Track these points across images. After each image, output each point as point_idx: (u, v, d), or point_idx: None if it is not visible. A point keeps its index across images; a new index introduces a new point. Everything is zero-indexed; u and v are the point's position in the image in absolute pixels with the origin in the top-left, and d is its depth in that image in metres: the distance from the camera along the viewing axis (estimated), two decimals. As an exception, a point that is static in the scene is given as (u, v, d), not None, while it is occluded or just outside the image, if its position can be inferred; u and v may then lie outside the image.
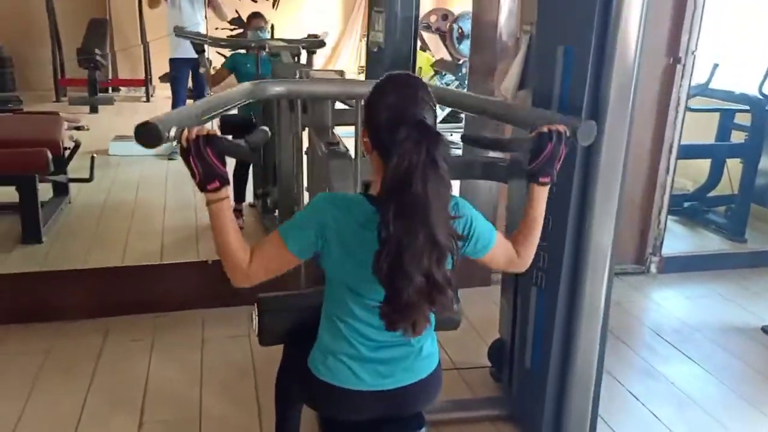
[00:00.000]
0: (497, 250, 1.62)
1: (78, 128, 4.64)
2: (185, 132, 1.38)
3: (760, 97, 4.43)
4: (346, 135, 2.59)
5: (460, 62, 6.86)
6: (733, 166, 4.67)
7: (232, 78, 4.49)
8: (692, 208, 4.79)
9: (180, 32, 4.79)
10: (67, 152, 4.21)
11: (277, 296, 1.87)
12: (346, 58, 9.61)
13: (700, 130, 4.80)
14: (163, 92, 7.18)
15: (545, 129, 1.64)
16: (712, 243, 4.50)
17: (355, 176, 2.25)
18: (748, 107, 4.53)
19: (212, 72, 4.59)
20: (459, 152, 4.17)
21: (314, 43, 4.43)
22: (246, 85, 2.18)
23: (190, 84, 5.79)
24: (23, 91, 7.49)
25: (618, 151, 2.04)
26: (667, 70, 3.63)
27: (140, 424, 2.48)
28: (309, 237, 1.46)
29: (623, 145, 2.04)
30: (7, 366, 2.81)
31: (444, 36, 7.03)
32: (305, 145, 2.82)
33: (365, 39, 8.99)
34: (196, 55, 4.70)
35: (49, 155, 3.67)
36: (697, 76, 4.55)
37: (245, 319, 3.09)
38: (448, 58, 7.11)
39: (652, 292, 3.80)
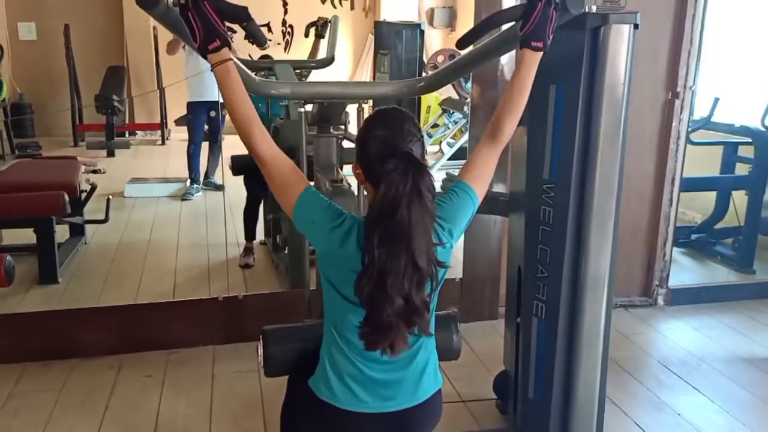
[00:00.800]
0: (477, 171, 1.69)
1: (95, 171, 4.78)
2: None
3: (762, 129, 4.48)
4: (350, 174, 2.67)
5: (467, 100, 6.98)
6: (739, 198, 4.70)
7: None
8: (700, 241, 4.81)
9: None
10: (84, 195, 4.33)
11: (282, 328, 1.94)
12: (356, 99, 9.78)
13: (705, 163, 4.86)
14: (178, 135, 7.35)
15: None
16: (720, 275, 4.51)
17: (357, 213, 2.32)
18: (750, 140, 4.58)
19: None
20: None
21: (322, 62, 4.51)
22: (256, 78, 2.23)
23: (205, 127, 5.94)
24: (42, 136, 7.69)
25: (610, 183, 2.10)
26: (667, 104, 3.71)
27: (151, 458, 2.53)
28: (313, 211, 1.54)
29: (615, 177, 2.10)
30: (23, 402, 2.87)
31: (451, 76, 7.15)
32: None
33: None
34: (213, 98, 4.81)
35: (66, 198, 3.78)
36: (700, 109, 4.64)
37: (254, 355, 3.16)
38: (455, 96, 7.24)
39: (659, 324, 3.81)
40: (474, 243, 3.60)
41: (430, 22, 8.91)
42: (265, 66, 4.24)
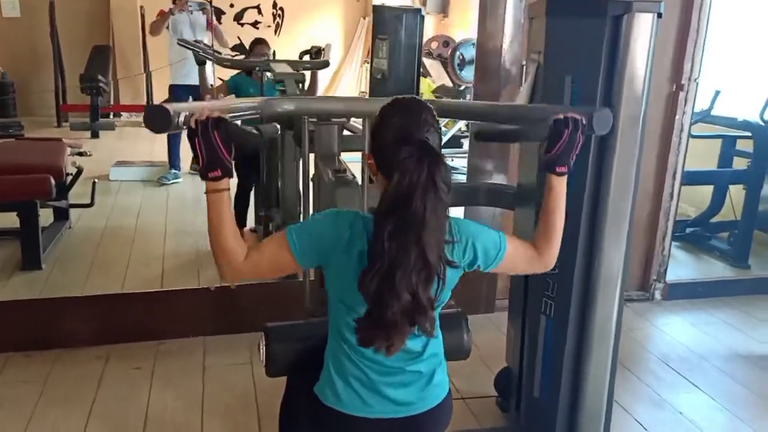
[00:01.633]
0: (513, 256, 1.59)
1: (80, 154, 4.65)
2: (196, 114, 1.39)
3: (762, 123, 4.44)
4: (351, 160, 2.58)
5: (462, 88, 6.90)
6: (736, 192, 4.67)
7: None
8: (695, 234, 4.78)
9: (184, 43, 4.73)
10: (70, 178, 4.20)
11: (286, 325, 1.85)
12: (346, 83, 9.69)
13: (703, 156, 4.81)
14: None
15: (561, 116, 1.64)
16: (715, 269, 4.49)
17: (361, 204, 2.23)
18: (749, 134, 4.54)
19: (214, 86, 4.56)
20: (462, 177, 4.18)
21: (318, 64, 4.43)
22: (257, 99, 2.17)
23: None
24: (24, 116, 7.52)
25: (628, 177, 2.04)
26: (670, 96, 3.64)
27: (141, 454, 2.44)
28: (313, 243, 1.46)
29: (632, 172, 2.04)
30: (6, 394, 2.76)
31: (445, 62, 7.08)
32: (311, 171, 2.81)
33: (366, 65, 9.11)
34: (195, 83, 4.67)
35: (53, 181, 3.66)
36: (700, 102, 4.58)
37: (247, 347, 3.09)
38: (449, 84, 7.16)
39: (657, 319, 3.77)
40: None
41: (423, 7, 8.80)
42: (260, 62, 4.14)
